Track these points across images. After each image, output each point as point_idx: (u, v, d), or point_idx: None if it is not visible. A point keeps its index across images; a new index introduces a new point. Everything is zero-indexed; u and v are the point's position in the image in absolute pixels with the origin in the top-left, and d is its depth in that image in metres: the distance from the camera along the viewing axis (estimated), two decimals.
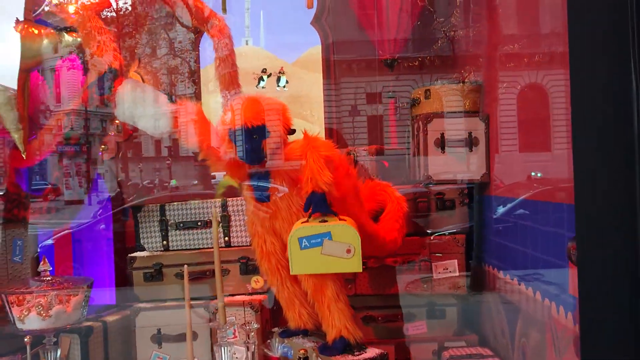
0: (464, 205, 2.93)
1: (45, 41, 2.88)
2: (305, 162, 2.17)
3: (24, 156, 2.94)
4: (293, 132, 2.33)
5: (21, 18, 2.91)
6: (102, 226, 3.55)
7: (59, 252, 3.37)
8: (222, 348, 2.24)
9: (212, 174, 3.83)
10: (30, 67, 2.95)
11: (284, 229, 2.28)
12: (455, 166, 2.93)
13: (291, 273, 2.22)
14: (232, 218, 2.84)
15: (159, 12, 4.37)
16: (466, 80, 3.10)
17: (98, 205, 3.80)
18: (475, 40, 3.57)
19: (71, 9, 2.77)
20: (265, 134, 2.23)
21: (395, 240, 2.60)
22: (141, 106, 2.54)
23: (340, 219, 2.14)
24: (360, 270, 2.19)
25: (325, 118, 4.94)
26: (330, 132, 4.89)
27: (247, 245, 2.80)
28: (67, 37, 2.93)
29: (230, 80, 2.81)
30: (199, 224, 2.85)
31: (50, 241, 3.35)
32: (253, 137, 2.21)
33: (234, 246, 2.85)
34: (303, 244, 2.12)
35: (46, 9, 2.92)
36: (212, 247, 2.50)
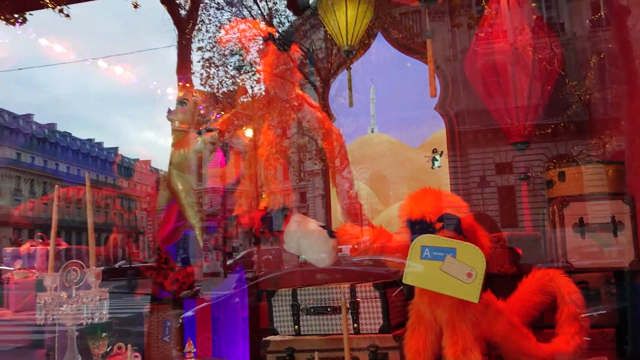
0: (611, 295, 2.66)
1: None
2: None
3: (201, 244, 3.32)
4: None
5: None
6: (237, 300, 3.75)
7: (200, 322, 3.60)
8: None
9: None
10: None
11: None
12: (597, 252, 2.70)
13: (404, 281, 2.18)
14: (361, 304, 2.85)
15: (289, 95, 4.72)
16: (607, 145, 2.91)
17: (233, 278, 4.03)
18: (614, 103, 3.34)
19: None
20: (442, 228, 2.28)
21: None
22: (307, 240, 2.83)
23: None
24: (477, 302, 2.08)
25: (451, 191, 4.84)
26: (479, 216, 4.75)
27: (375, 333, 2.78)
28: (209, 138, 3.31)
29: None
30: (329, 309, 2.90)
31: (191, 312, 3.60)
32: (429, 230, 2.27)
33: (363, 333, 2.84)
34: (424, 254, 2.06)
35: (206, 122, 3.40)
36: (342, 334, 2.54)
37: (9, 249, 5.18)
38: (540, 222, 3.23)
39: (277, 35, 3.22)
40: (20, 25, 6.69)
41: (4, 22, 6.69)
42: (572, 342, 2.37)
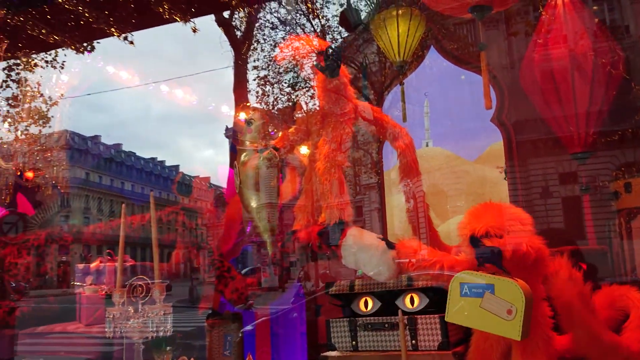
0: None
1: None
2: None
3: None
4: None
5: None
6: (295, 315, 3.78)
7: (260, 337, 3.65)
8: None
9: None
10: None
11: None
12: None
13: (446, 319, 2.12)
14: (419, 321, 2.81)
15: (343, 109, 4.75)
16: None
17: (290, 292, 4.07)
18: None
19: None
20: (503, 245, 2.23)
21: None
22: (365, 254, 2.83)
23: (511, 278, 2.01)
24: (519, 339, 2.00)
25: (511, 203, 4.70)
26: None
27: (435, 350, 2.73)
28: (266, 156, 3.38)
29: (410, 170, 3.05)
30: (387, 325, 2.88)
31: (251, 327, 3.66)
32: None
33: (422, 350, 2.79)
34: (464, 291, 2.01)
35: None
36: (400, 350, 2.51)
37: (80, 266, 5.48)
38: (606, 234, 3.08)
39: (329, 51, 3.25)
40: (89, 53, 7.11)
41: (75, 52, 7.13)
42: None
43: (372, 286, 2.97)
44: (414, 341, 2.80)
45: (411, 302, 2.89)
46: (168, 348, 3.06)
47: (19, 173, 5.03)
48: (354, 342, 2.95)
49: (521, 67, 4.29)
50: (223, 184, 3.76)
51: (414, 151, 3.45)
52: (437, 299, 2.78)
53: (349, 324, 2.98)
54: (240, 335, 3.58)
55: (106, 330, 2.93)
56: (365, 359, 2.88)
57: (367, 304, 3.00)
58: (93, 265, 5.19)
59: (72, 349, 5.08)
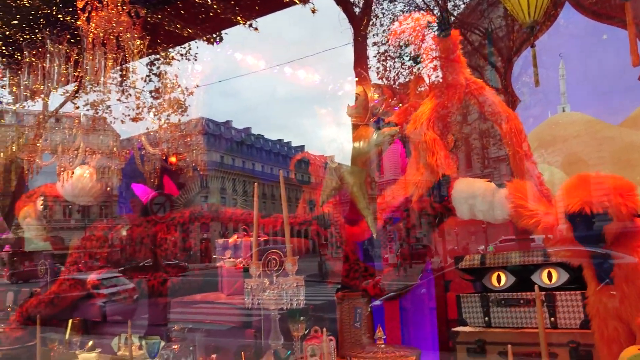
0: None
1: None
2: None
3: (374, 236, 3.42)
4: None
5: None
6: (423, 290, 3.75)
7: (388, 311, 3.69)
8: None
9: (531, 237, 3.70)
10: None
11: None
12: None
13: None
14: (558, 297, 2.65)
15: (467, 80, 4.56)
16: None
17: (417, 268, 4.03)
18: None
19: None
20: (606, 220, 2.08)
21: None
22: (476, 198, 2.74)
23: None
24: None
25: None
26: None
27: (577, 329, 2.56)
28: (388, 132, 3.35)
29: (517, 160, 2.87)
30: (521, 301, 2.75)
31: (379, 302, 3.70)
32: (592, 222, 2.09)
33: (562, 328, 2.64)
34: None
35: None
36: (537, 328, 2.39)
37: (220, 241, 5.92)
38: None
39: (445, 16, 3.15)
40: (218, 43, 7.57)
41: (205, 42, 7.62)
42: None
43: (506, 261, 2.85)
44: (552, 319, 2.66)
45: (549, 277, 2.73)
46: (302, 318, 3.21)
47: (164, 157, 5.54)
48: (486, 318, 2.87)
49: None
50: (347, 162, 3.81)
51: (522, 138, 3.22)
52: (578, 274, 2.60)
53: (480, 299, 2.91)
54: (369, 309, 3.64)
55: (245, 300, 3.15)
56: (498, 335, 2.79)
57: (500, 279, 2.89)
58: (231, 240, 5.59)
59: (216, 318, 5.53)
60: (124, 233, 5.37)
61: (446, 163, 2.98)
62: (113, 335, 4.29)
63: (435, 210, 3.12)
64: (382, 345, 2.63)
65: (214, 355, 3.40)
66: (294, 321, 3.22)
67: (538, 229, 2.52)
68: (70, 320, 4.55)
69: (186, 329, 3.53)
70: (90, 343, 4.12)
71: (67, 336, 4.45)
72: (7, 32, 5.67)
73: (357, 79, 4.73)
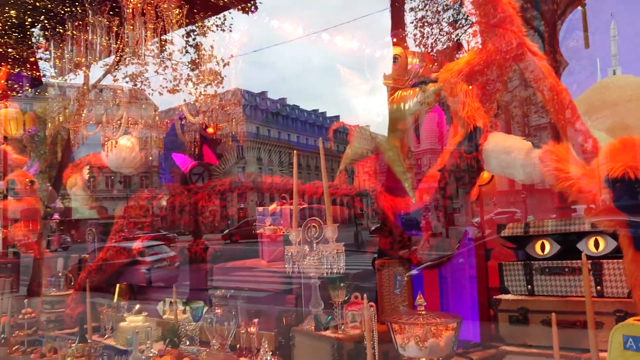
0: None
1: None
2: None
3: (413, 201, 3.38)
4: None
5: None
6: (461, 260, 3.72)
7: (428, 280, 3.68)
8: None
9: (573, 207, 3.60)
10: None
11: None
12: None
13: None
14: (605, 266, 2.59)
15: (508, 45, 4.41)
16: None
17: (456, 237, 4.00)
18: None
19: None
20: None
21: None
22: (509, 155, 2.64)
23: None
24: None
25: None
26: None
27: (624, 298, 2.51)
28: (434, 88, 3.26)
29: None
30: (566, 270, 2.71)
31: (416, 271, 3.70)
32: (634, 188, 2.01)
33: (608, 297, 2.58)
34: (628, 344, 1.77)
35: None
36: (582, 296, 2.36)
37: (260, 209, 6.00)
38: None
39: None
40: (253, 12, 7.52)
41: (241, 12, 7.58)
42: None
43: (550, 229, 2.80)
44: (599, 287, 2.61)
45: (595, 245, 2.67)
46: (342, 284, 3.25)
47: (204, 127, 5.61)
48: (529, 286, 2.84)
49: None
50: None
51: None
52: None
53: (523, 267, 2.87)
54: (407, 277, 3.65)
55: (286, 267, 3.20)
56: (542, 303, 2.75)
57: (544, 247, 2.85)
58: (271, 208, 5.66)
59: (257, 285, 5.66)
60: (164, 203, 5.51)
61: (478, 115, 2.85)
62: (157, 300, 4.45)
63: (465, 161, 3.01)
64: (423, 312, 2.64)
65: (256, 320, 3.49)
66: (334, 287, 3.26)
67: (575, 194, 2.40)
68: (117, 285, 4.74)
69: (228, 294, 3.63)
70: (137, 307, 4.29)
71: (115, 300, 4.64)
72: (49, 6, 5.77)
73: (394, 39, 4.60)
